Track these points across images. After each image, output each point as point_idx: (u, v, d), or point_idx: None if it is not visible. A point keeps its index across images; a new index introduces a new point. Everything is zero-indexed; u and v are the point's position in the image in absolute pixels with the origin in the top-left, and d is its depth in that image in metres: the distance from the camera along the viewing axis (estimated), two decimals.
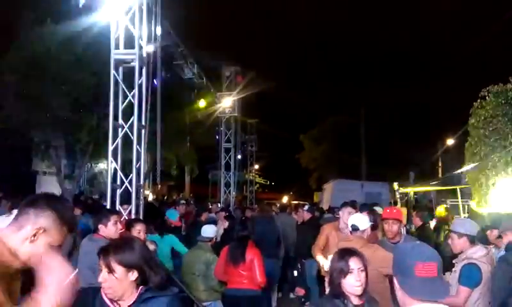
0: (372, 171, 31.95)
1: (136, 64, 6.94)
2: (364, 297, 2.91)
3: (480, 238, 4.62)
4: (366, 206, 7.44)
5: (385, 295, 3.66)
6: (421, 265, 1.84)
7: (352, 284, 2.85)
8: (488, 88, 10.61)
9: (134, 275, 2.22)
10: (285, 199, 30.75)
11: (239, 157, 19.10)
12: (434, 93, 30.76)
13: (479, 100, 10.79)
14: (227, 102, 16.25)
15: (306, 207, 9.45)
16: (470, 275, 3.89)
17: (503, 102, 10.24)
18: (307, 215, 9.00)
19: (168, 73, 10.32)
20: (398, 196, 16.53)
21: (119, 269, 2.20)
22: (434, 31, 35.04)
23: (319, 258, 5.67)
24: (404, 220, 6.75)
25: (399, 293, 1.92)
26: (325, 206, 14.26)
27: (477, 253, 4.00)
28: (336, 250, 3.21)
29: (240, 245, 5.31)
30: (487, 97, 10.59)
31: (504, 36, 27.08)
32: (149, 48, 7.51)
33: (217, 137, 18.14)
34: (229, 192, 17.43)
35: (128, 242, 2.34)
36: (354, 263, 2.88)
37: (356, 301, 2.87)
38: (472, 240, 4.08)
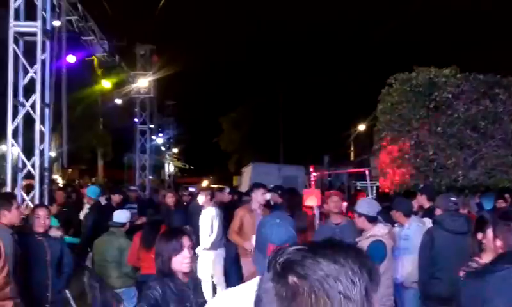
0: (290, 155, 32.86)
1: (38, 38, 6.43)
2: (190, 273, 3.02)
3: (386, 218, 4.88)
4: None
5: None
6: (273, 248, 2.01)
7: (182, 261, 2.90)
8: (394, 76, 11.17)
9: None
10: (204, 183, 30.59)
11: (156, 139, 18.53)
12: (349, 80, 32.09)
13: (386, 87, 11.34)
14: (142, 83, 15.63)
15: (227, 190, 9.63)
16: (377, 252, 4.09)
17: (408, 89, 10.86)
18: (227, 198, 9.19)
19: (76, 50, 9.63)
20: (312, 179, 17.06)
21: None
22: (349, 18, 36.47)
23: (237, 239, 5.84)
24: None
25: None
26: (244, 190, 14.34)
27: (380, 231, 4.24)
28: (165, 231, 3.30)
29: (152, 230, 5.16)
30: (393, 84, 11.16)
31: (413, 25, 29.00)
32: (54, 23, 7.03)
33: (133, 119, 17.40)
34: (145, 176, 16.91)
35: None
36: (185, 241, 2.94)
37: (183, 278, 2.94)
38: (371, 220, 4.29)
